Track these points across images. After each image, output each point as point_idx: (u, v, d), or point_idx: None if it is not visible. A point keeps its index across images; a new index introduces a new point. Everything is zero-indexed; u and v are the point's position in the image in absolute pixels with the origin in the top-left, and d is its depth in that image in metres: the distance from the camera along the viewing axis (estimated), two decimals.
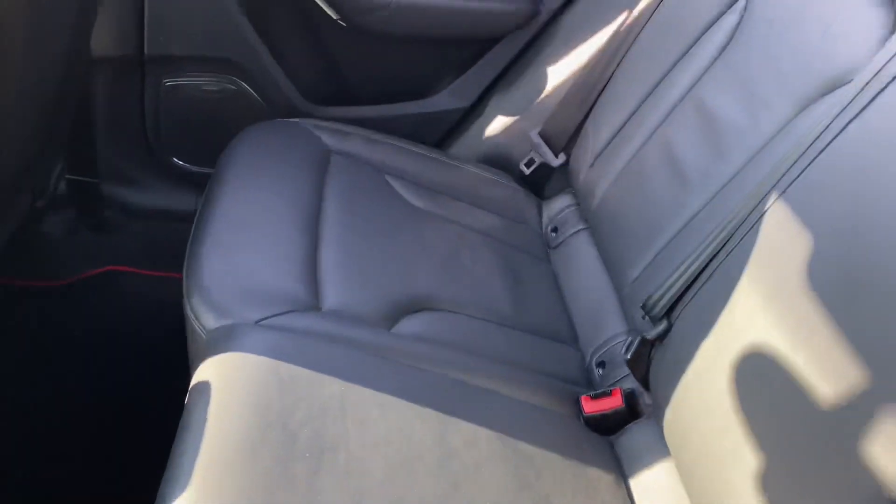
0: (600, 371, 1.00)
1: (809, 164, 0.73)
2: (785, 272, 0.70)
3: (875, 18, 0.80)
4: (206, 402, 0.70)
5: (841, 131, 0.72)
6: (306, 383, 0.74)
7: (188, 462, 0.64)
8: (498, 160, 1.33)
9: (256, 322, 0.80)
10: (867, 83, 0.72)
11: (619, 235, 1.06)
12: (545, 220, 1.28)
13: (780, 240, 0.72)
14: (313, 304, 0.87)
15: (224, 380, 0.72)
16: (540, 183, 1.32)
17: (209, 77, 1.27)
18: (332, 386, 0.75)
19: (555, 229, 1.25)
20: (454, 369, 0.86)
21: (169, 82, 1.27)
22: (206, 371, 0.74)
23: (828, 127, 0.74)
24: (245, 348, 0.75)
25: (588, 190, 1.16)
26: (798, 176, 0.74)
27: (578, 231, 1.21)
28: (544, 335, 1.04)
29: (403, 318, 0.92)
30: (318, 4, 1.21)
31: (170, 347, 1.07)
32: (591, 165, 1.16)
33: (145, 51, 1.22)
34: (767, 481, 0.65)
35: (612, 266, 1.07)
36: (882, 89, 0.70)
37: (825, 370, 0.63)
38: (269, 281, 0.87)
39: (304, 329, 0.81)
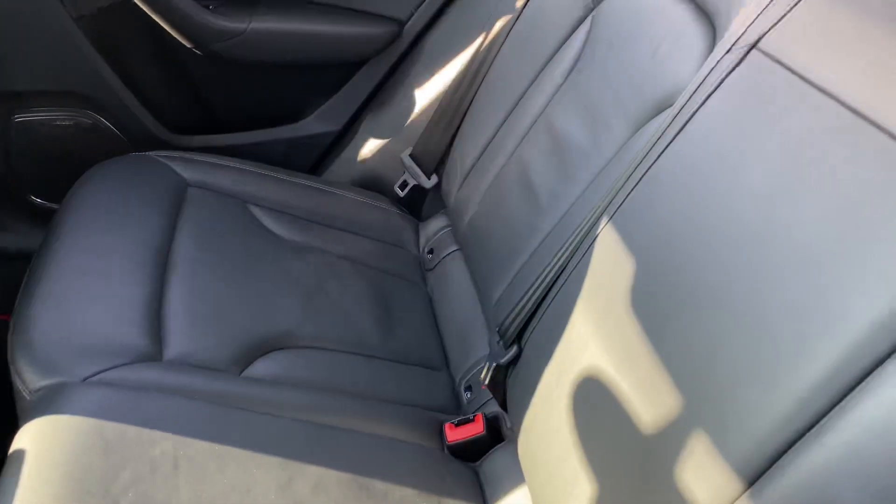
0: (468, 395, 1.00)
1: (634, 187, 0.74)
2: (613, 296, 0.70)
3: (696, 37, 0.82)
4: (18, 472, 0.65)
5: (661, 153, 0.73)
6: (135, 442, 0.71)
7: None
8: (373, 183, 1.32)
9: (84, 379, 0.76)
10: (685, 104, 0.74)
11: (485, 257, 1.06)
12: (422, 241, 1.27)
13: (608, 263, 0.73)
14: (154, 353, 0.83)
15: (41, 445, 0.68)
16: (416, 205, 1.32)
17: (61, 112, 1.21)
18: (164, 443, 0.72)
19: (430, 251, 1.24)
20: (306, 411, 0.84)
21: (19, 118, 1.21)
22: (24, 437, 0.69)
23: (651, 149, 0.75)
24: (68, 409, 0.71)
25: (458, 211, 1.16)
26: (625, 199, 0.74)
27: (452, 252, 1.20)
28: (413, 362, 1.02)
29: (257, 359, 0.89)
30: (171, 33, 1.17)
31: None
32: (461, 186, 1.16)
33: None
34: None
35: (480, 288, 1.07)
36: (697, 109, 0.72)
37: (646, 396, 0.63)
38: (105, 332, 0.83)
39: (137, 382, 0.78)
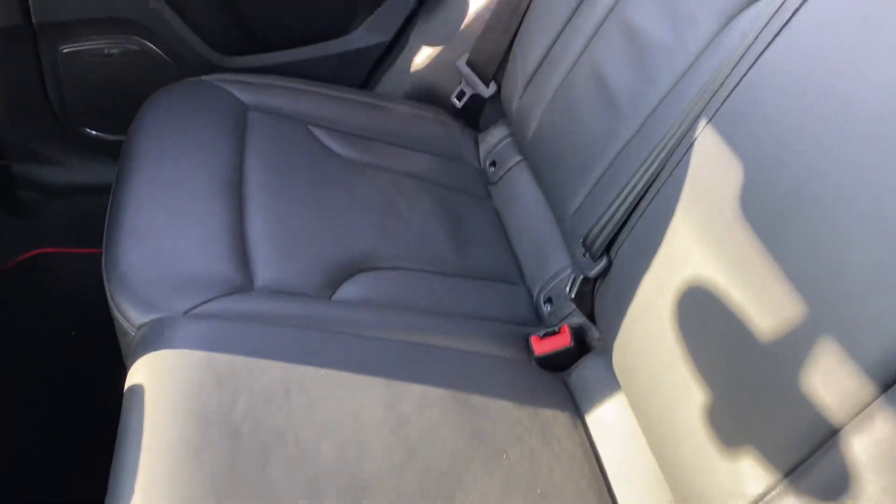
0: (548, 307, 1.00)
1: (735, 87, 0.71)
2: (717, 203, 0.68)
3: None
4: (141, 409, 0.67)
5: (765, 49, 0.69)
6: (245, 372, 0.72)
7: (129, 477, 0.62)
8: (427, 95, 1.28)
9: (185, 312, 0.77)
10: None
11: (556, 166, 1.03)
12: (483, 153, 1.25)
13: (711, 169, 0.71)
14: (245, 283, 0.83)
15: (156, 381, 0.69)
16: (474, 115, 1.28)
17: (108, 39, 1.18)
18: (272, 371, 0.73)
19: (493, 163, 1.21)
20: (398, 331, 0.85)
21: (66, 49, 1.18)
22: (138, 373, 0.71)
23: (751, 45, 0.71)
24: (175, 344, 0.72)
25: (522, 119, 1.12)
26: (724, 100, 0.71)
27: (517, 163, 1.18)
28: (490, 278, 1.02)
29: (343, 283, 0.89)
30: None
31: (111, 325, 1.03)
32: (523, 93, 1.12)
33: (33, 19, 1.12)
34: (714, 415, 0.65)
35: (553, 199, 1.05)
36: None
37: (762, 303, 0.62)
38: (195, 265, 0.83)
39: (237, 313, 0.78)
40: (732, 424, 0.64)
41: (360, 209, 0.99)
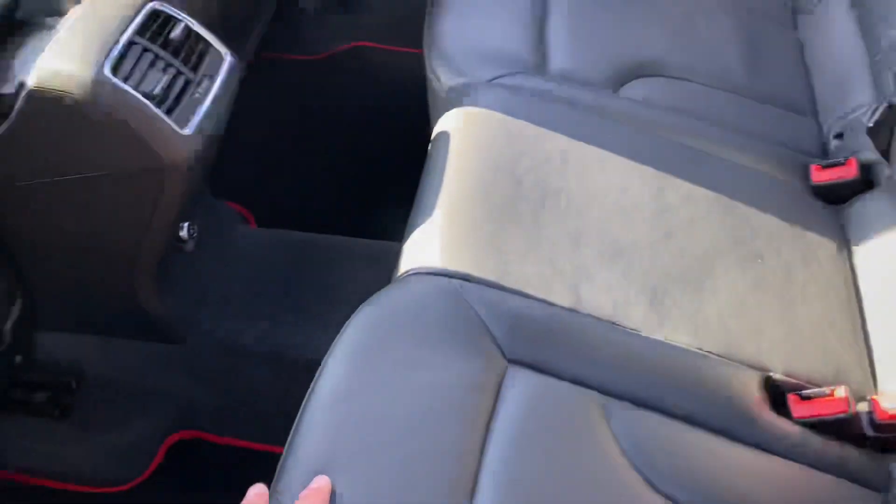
0: (837, 142, 0.95)
1: None
2: None
3: None
4: (446, 149, 0.79)
5: None
6: (532, 137, 0.81)
7: (432, 197, 0.75)
8: None
9: (489, 80, 0.87)
10: None
11: None
12: None
13: None
14: (540, 65, 0.91)
15: (461, 130, 0.81)
16: None
17: None
18: (555, 141, 0.81)
19: None
20: (677, 132, 0.88)
21: None
22: (446, 123, 0.83)
23: None
24: (479, 103, 0.83)
25: None
26: None
27: None
28: (779, 104, 0.99)
29: (630, 81, 0.94)
30: None
31: (411, 112, 1.18)
32: None
33: None
34: None
35: (869, 30, 0.97)
36: None
37: None
38: (500, 43, 0.92)
39: (531, 88, 0.87)
40: None
41: (657, 16, 1.00)
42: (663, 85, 0.95)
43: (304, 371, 0.98)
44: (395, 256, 1.03)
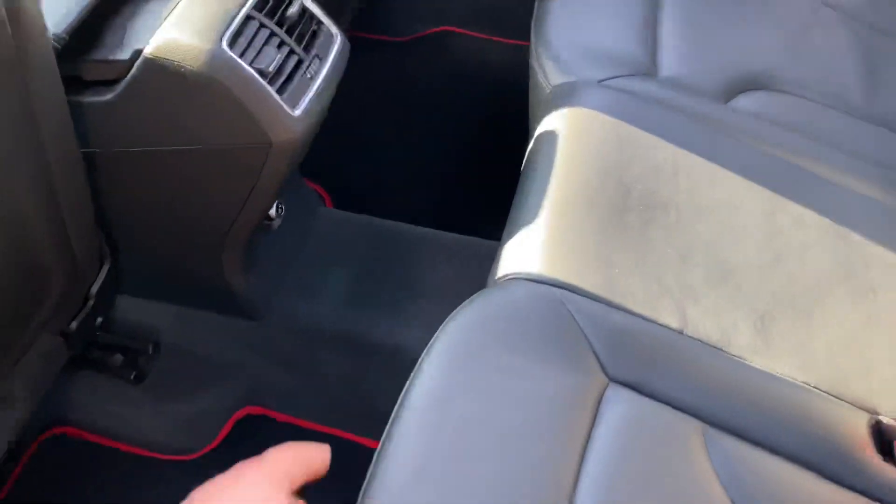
0: None
1: None
2: None
3: None
4: (552, 149, 0.77)
5: None
6: (642, 144, 0.78)
7: (535, 199, 0.73)
8: None
9: (599, 81, 0.84)
10: None
11: None
12: None
13: None
14: (650, 69, 0.88)
15: (568, 131, 0.78)
16: None
17: None
18: (665, 149, 0.78)
19: None
20: (789, 151, 0.84)
21: None
22: (552, 122, 0.80)
23: None
24: (587, 104, 0.80)
25: None
26: None
27: None
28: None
29: (740, 94, 0.89)
30: None
31: (499, 103, 1.15)
32: None
33: None
34: None
35: None
36: None
37: None
38: (611, 43, 0.89)
39: (641, 93, 0.83)
40: None
41: (772, 26, 0.96)
42: (775, 99, 0.91)
43: (377, 359, 0.97)
44: (476, 253, 1.02)
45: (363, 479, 1.02)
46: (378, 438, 1.04)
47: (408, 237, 1.04)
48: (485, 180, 1.16)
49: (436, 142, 1.30)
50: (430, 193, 1.23)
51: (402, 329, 0.95)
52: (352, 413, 1.01)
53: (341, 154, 1.28)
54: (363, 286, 0.99)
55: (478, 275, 0.96)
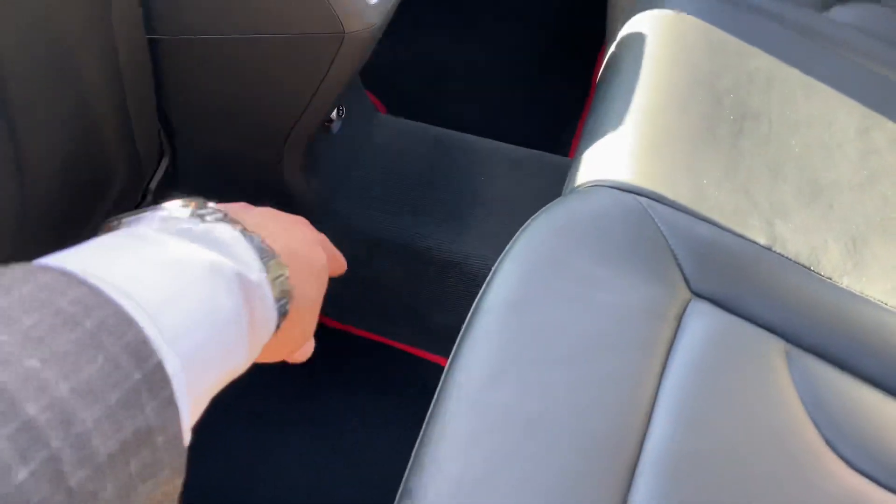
0: None
1: None
2: None
3: None
4: (638, 53, 0.72)
5: None
6: (735, 52, 0.73)
7: (620, 105, 0.69)
8: None
9: None
10: None
11: None
12: None
13: None
14: None
15: (656, 35, 0.73)
16: None
17: None
18: (759, 59, 0.73)
19: None
20: (887, 66, 0.78)
21: None
22: (637, 24, 0.75)
23: None
24: (676, 7, 0.75)
25: None
26: None
27: None
28: None
29: (838, 3, 0.83)
30: None
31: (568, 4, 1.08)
32: None
33: None
34: None
35: None
36: None
37: None
38: None
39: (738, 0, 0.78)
40: None
41: None
42: (874, 11, 0.85)
43: (436, 270, 0.96)
44: (538, 167, 0.98)
45: (410, 387, 1.01)
46: (430, 350, 1.03)
47: (467, 147, 1.00)
48: (545, 93, 1.11)
49: (496, 46, 1.25)
50: (489, 102, 1.19)
51: (463, 238, 0.93)
52: (403, 323, 1.00)
53: (396, 61, 1.24)
54: (424, 195, 0.97)
55: (539, 188, 0.94)
